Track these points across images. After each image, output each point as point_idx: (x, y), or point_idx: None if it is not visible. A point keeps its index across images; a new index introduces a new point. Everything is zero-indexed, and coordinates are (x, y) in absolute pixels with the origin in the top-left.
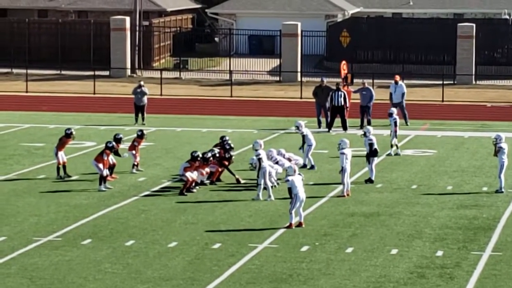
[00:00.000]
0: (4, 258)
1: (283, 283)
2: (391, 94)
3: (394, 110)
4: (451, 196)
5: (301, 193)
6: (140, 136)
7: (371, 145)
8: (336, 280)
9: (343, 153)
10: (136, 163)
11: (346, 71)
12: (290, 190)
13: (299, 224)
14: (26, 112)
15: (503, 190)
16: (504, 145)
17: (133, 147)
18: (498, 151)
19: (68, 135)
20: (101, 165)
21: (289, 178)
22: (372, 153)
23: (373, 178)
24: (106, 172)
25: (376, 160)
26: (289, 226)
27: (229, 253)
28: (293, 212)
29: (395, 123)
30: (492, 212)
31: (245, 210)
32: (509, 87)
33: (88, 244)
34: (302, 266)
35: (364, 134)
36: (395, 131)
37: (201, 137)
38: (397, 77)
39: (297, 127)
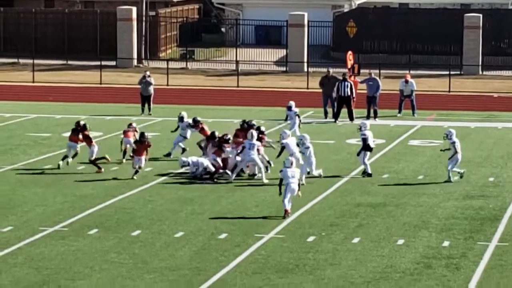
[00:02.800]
0: (11, 248)
1: (289, 273)
2: (401, 90)
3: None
4: (457, 187)
5: (294, 184)
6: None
7: (364, 140)
8: (342, 270)
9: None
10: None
11: (352, 62)
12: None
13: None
14: (32, 102)
15: (451, 180)
16: (456, 139)
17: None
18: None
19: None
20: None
21: (284, 169)
22: (364, 147)
23: (369, 171)
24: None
25: (368, 155)
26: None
27: (235, 243)
28: (285, 201)
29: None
30: (499, 202)
31: (252, 200)
32: None
33: (94, 234)
34: (308, 256)
35: (360, 129)
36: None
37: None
38: (408, 76)
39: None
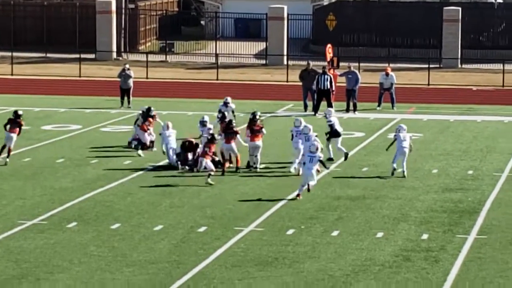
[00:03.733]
0: None
1: (269, 266)
2: (381, 83)
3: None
4: (437, 180)
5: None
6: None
7: (331, 126)
8: (322, 263)
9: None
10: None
11: (331, 55)
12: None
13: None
14: (11, 95)
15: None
16: (402, 134)
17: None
18: (394, 141)
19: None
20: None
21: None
22: (332, 133)
23: (331, 156)
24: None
25: (340, 140)
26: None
27: (215, 236)
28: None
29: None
30: (477, 195)
31: (231, 193)
32: (495, 70)
33: (73, 227)
34: (287, 249)
35: (325, 116)
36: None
37: (186, 120)
38: (388, 69)
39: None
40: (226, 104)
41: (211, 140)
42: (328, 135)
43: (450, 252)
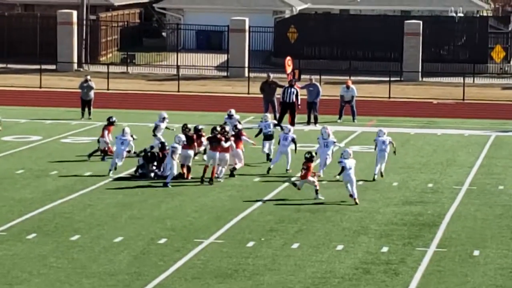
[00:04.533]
0: None
1: (229, 278)
2: (342, 96)
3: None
4: (397, 192)
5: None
6: (112, 123)
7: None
8: (282, 276)
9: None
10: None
11: (291, 67)
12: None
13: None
14: None
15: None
16: (382, 138)
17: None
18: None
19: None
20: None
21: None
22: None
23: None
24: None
25: (268, 144)
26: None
27: (175, 248)
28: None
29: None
30: (437, 208)
31: (191, 205)
32: (455, 84)
33: (33, 238)
34: (247, 262)
35: (261, 121)
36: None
37: (147, 131)
38: (349, 82)
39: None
40: (230, 116)
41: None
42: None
43: (409, 265)
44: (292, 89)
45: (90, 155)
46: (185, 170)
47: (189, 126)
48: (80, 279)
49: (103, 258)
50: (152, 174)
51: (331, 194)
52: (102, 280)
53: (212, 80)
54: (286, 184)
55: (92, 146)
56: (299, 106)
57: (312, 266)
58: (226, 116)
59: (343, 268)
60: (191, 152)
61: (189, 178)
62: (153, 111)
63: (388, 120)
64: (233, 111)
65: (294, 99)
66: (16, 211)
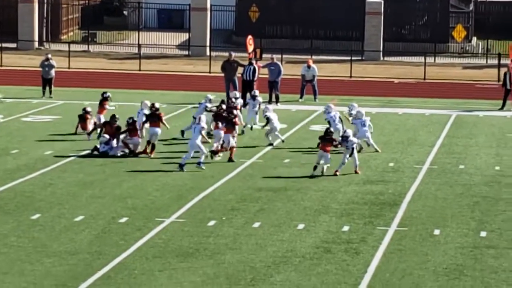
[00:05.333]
0: None
1: (190, 257)
2: (303, 75)
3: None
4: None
5: None
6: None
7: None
8: (243, 255)
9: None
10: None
11: (252, 46)
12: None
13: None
14: None
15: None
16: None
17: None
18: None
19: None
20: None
21: None
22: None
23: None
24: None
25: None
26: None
27: (136, 227)
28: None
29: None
30: (398, 187)
31: (153, 184)
32: (416, 63)
33: None
34: (208, 241)
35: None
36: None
37: (108, 110)
38: (310, 61)
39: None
40: (254, 97)
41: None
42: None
43: (370, 244)
44: (251, 67)
45: (89, 133)
46: (149, 149)
47: (156, 105)
48: (41, 258)
49: (64, 237)
50: (119, 152)
51: (292, 173)
52: (63, 259)
53: (174, 59)
54: (248, 163)
55: (54, 124)
56: (255, 82)
57: (273, 245)
58: (249, 97)
59: (304, 247)
60: (158, 130)
61: (152, 155)
62: (114, 89)
63: (350, 99)
64: (257, 92)
65: (251, 77)
66: None
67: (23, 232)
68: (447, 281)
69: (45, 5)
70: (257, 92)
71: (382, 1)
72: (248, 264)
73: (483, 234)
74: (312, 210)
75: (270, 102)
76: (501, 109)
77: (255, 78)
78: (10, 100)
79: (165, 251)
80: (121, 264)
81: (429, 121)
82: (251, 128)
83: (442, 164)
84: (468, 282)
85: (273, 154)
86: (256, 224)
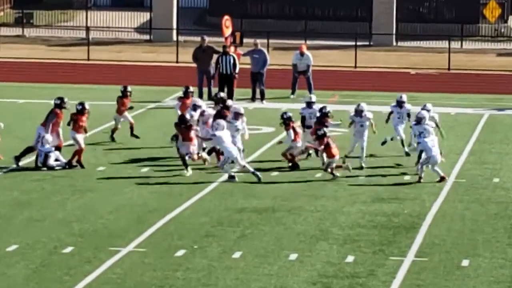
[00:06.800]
0: None
1: None
2: (295, 65)
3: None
4: (365, 187)
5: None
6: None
7: None
8: None
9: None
10: None
11: (230, 29)
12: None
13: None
14: None
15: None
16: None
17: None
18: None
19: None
20: None
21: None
22: None
23: None
24: None
25: None
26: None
27: (84, 259)
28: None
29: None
30: (416, 207)
31: (105, 204)
32: (438, 49)
33: None
34: (176, 275)
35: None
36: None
37: (45, 110)
38: (303, 47)
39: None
40: (310, 104)
41: None
42: None
43: (381, 278)
44: (228, 57)
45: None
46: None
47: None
48: None
49: None
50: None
51: (281, 190)
52: None
53: (131, 45)
54: (226, 176)
55: None
56: (236, 76)
57: (258, 280)
58: (304, 106)
59: (297, 283)
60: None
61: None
62: (56, 84)
63: (354, 95)
64: (314, 98)
65: (231, 70)
66: None
67: None
68: None
69: None
70: (222, 94)
71: None
72: None
73: None
74: (307, 236)
75: (253, 99)
76: None
77: (237, 71)
78: None
79: None
80: None
81: (455, 122)
82: None
83: (471, 176)
84: None
85: (258, 166)
86: (237, 254)
